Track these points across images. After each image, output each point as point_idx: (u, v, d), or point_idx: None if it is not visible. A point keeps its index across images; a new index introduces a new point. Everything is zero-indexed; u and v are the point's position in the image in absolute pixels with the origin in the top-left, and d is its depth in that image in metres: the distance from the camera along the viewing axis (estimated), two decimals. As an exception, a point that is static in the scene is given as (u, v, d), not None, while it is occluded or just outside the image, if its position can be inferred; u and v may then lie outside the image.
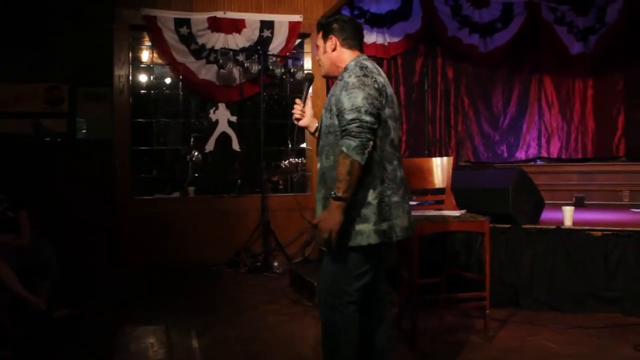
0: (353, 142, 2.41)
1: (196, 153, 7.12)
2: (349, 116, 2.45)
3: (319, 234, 2.47)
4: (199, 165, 7.16)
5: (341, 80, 2.58)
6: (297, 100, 2.91)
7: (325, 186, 2.61)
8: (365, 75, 2.53)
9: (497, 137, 8.75)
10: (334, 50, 2.74)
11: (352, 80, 2.52)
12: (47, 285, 4.48)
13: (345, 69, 2.64)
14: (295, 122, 2.92)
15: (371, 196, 2.55)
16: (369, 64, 2.63)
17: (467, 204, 4.32)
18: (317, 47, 2.84)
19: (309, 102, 2.95)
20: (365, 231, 2.53)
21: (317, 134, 2.85)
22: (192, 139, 7.14)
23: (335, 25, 2.75)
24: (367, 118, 2.44)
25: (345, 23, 2.77)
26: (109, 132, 6.65)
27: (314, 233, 2.48)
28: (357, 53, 2.74)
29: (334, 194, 2.43)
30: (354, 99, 2.46)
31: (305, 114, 2.91)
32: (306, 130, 3.20)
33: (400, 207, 2.63)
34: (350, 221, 2.51)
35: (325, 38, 2.76)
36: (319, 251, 6.10)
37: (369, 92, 2.49)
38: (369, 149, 2.44)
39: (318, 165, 2.72)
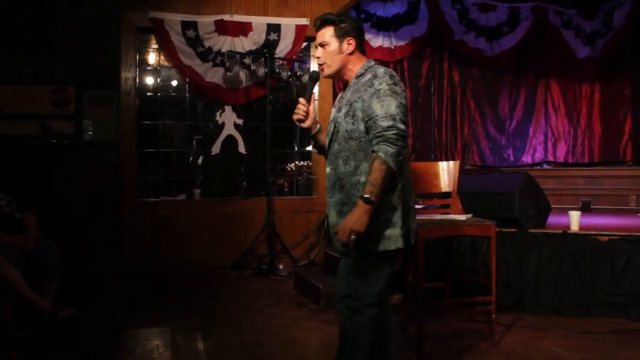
0: (391, 149, 2.40)
1: (200, 156, 7.15)
2: (385, 123, 2.43)
3: (345, 235, 2.40)
4: (202, 168, 7.17)
5: (371, 87, 2.51)
6: (301, 100, 2.74)
7: (341, 191, 2.60)
8: (395, 84, 2.52)
9: (503, 141, 8.74)
10: (351, 53, 2.67)
11: (384, 87, 2.49)
12: (52, 287, 4.49)
13: (375, 75, 2.55)
14: (298, 123, 2.76)
15: (396, 201, 2.56)
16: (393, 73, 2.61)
17: (473, 208, 4.32)
18: (324, 44, 2.69)
19: (312, 103, 2.85)
20: (393, 236, 2.55)
21: (319, 136, 2.82)
22: (194, 142, 7.16)
23: (355, 26, 2.68)
24: (402, 126, 2.45)
25: (361, 26, 2.72)
26: (115, 134, 6.67)
27: (337, 236, 2.39)
28: (367, 59, 2.71)
29: (367, 198, 2.39)
30: (387, 107, 2.45)
31: (309, 114, 2.77)
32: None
33: (414, 212, 2.70)
34: (378, 226, 2.50)
35: (342, 37, 2.65)
36: (325, 254, 6.11)
37: (401, 101, 2.50)
38: (401, 157, 2.45)
39: (329, 170, 2.67)
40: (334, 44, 2.66)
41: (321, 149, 2.87)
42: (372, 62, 2.69)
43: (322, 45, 2.69)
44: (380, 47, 7.96)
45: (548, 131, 8.88)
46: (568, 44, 8.62)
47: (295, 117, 2.74)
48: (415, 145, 8.17)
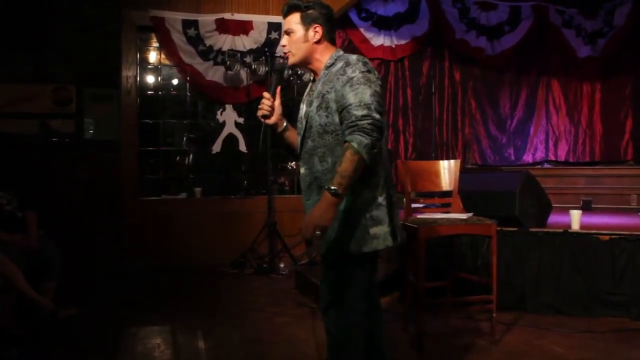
0: (365, 139, 2.21)
1: (191, 154, 7.15)
2: (359, 112, 2.25)
3: (310, 231, 2.21)
4: (200, 167, 7.17)
5: (343, 75, 2.34)
6: (266, 94, 2.56)
7: (319, 192, 2.38)
8: (369, 71, 2.35)
9: (504, 140, 8.74)
10: (317, 42, 2.49)
11: (357, 75, 2.32)
12: (53, 286, 4.49)
13: (347, 63, 2.37)
14: (262, 119, 2.57)
15: (380, 197, 2.42)
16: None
17: (474, 207, 4.32)
18: (289, 31, 2.51)
19: (278, 97, 2.59)
20: (381, 234, 2.41)
21: (288, 134, 2.67)
22: (184, 139, 7.16)
23: (324, 13, 2.49)
24: (377, 116, 2.27)
25: (331, 13, 2.53)
26: (116, 132, 6.67)
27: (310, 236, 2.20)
28: (335, 49, 2.53)
29: (335, 190, 2.19)
30: (361, 95, 2.28)
31: (274, 110, 2.58)
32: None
33: (397, 208, 2.53)
34: (362, 225, 2.38)
35: (308, 25, 2.47)
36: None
37: (376, 90, 2.32)
38: (376, 150, 2.26)
39: (303, 170, 2.51)
40: (299, 31, 2.48)
41: (289, 148, 2.71)
42: (341, 52, 2.50)
43: (287, 32, 2.52)
44: (381, 46, 7.96)
45: (549, 130, 8.87)
46: (569, 43, 8.61)
47: (259, 112, 2.57)
48: (416, 144, 8.17)
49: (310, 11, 2.48)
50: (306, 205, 2.52)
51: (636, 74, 8.50)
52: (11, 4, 6.41)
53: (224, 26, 6.91)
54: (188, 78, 6.92)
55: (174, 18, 6.75)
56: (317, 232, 2.22)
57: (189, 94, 7.09)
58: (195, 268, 6.47)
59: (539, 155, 8.85)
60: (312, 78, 2.64)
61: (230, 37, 6.94)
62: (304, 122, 2.51)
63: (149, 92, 7.01)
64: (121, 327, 4.41)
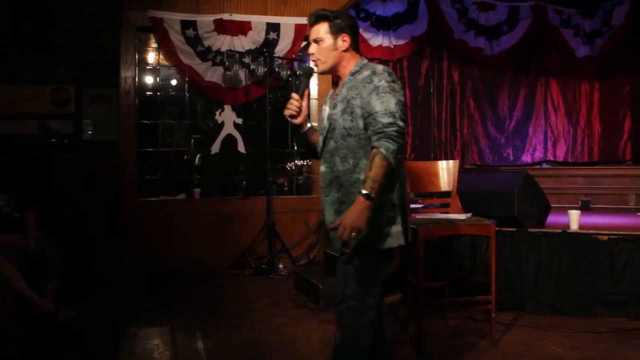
0: (392, 146, 2.38)
1: (198, 156, 7.15)
2: (385, 120, 2.41)
3: (347, 233, 2.34)
4: (201, 167, 7.18)
5: (370, 83, 2.49)
6: (294, 95, 2.67)
7: (339, 190, 2.57)
8: (393, 82, 2.50)
9: (503, 140, 8.75)
10: (345, 50, 2.62)
11: (383, 84, 2.47)
12: (52, 287, 4.49)
13: (374, 72, 2.52)
14: (289, 119, 2.69)
15: (396, 198, 2.55)
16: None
17: (473, 207, 4.32)
18: (318, 40, 2.63)
19: (305, 99, 2.71)
20: (395, 233, 2.55)
21: (311, 135, 2.77)
22: (192, 141, 7.17)
23: (350, 23, 2.64)
24: (402, 123, 2.43)
25: (356, 24, 2.68)
26: (114, 133, 6.65)
27: (336, 234, 2.40)
28: (360, 57, 2.67)
29: (368, 194, 2.35)
30: (387, 104, 2.43)
31: (302, 111, 2.69)
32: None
33: (410, 210, 2.68)
34: (379, 224, 2.50)
35: (336, 33, 2.60)
36: (325, 254, 6.11)
37: (400, 99, 2.48)
38: (400, 155, 2.45)
39: (324, 168, 2.64)
40: (328, 40, 2.61)
41: (310, 148, 2.84)
42: (366, 60, 2.65)
43: (316, 41, 2.64)
44: (380, 46, 7.96)
45: (548, 130, 8.88)
46: (567, 43, 8.62)
47: (287, 112, 2.67)
48: (415, 144, 8.17)
49: (337, 21, 2.61)
50: (324, 201, 2.66)
51: (635, 74, 8.51)
52: (10, 5, 6.39)
53: (222, 27, 6.91)
54: (187, 78, 6.92)
55: (173, 18, 6.75)
56: (354, 234, 2.35)
57: (187, 95, 7.09)
58: (195, 269, 6.47)
59: (538, 155, 8.86)
60: (336, 83, 2.75)
61: (228, 37, 6.93)
62: (327, 123, 2.63)
63: (148, 93, 7.01)
64: (120, 327, 4.41)
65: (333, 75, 2.73)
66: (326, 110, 2.68)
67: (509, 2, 8.48)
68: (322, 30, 2.62)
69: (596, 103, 8.83)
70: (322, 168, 2.66)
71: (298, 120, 2.71)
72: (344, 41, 2.61)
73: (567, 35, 8.62)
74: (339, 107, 2.57)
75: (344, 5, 6.79)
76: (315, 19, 2.64)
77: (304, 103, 2.70)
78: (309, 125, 2.77)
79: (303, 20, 7.16)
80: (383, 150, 2.37)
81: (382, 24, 7.97)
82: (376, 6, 7.96)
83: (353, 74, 2.60)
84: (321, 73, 2.71)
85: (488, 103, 8.69)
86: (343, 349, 2.63)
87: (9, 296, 4.08)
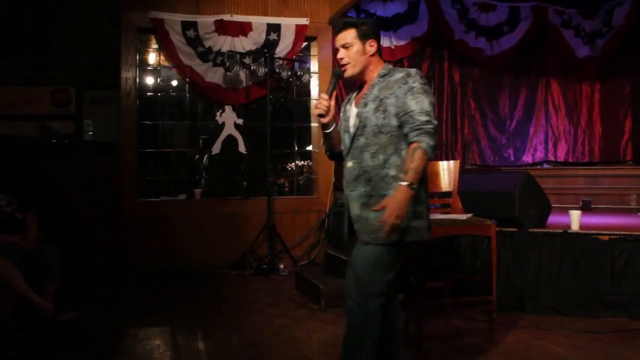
0: (431, 142, 2.55)
1: (206, 156, 7.17)
2: (422, 118, 2.57)
3: (391, 217, 2.45)
4: (203, 168, 7.19)
5: (405, 84, 2.64)
6: (323, 95, 2.77)
7: (367, 184, 2.68)
8: (425, 84, 2.67)
9: (503, 140, 8.74)
10: (372, 55, 2.78)
11: (417, 85, 2.63)
12: (53, 288, 4.49)
13: (408, 74, 2.67)
14: (318, 117, 2.80)
15: (422, 194, 2.70)
16: None
17: (474, 207, 4.31)
18: (347, 45, 2.75)
19: (333, 99, 2.81)
20: (421, 227, 2.69)
21: (333, 132, 2.85)
22: (200, 142, 7.19)
23: (375, 30, 2.80)
24: (436, 122, 2.60)
25: (379, 31, 2.83)
26: (115, 134, 6.67)
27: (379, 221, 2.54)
28: (384, 62, 2.83)
29: (411, 184, 2.48)
30: (422, 103, 2.59)
31: (330, 110, 2.78)
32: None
33: (429, 205, 2.82)
34: (407, 218, 2.58)
35: (364, 39, 2.75)
36: (325, 254, 6.11)
37: (432, 100, 2.65)
38: (436, 150, 2.62)
39: (351, 164, 2.73)
40: (357, 45, 2.76)
41: (332, 147, 2.93)
42: (391, 65, 2.82)
43: (344, 46, 2.77)
44: (380, 47, 7.92)
45: (548, 131, 8.88)
46: (568, 44, 8.62)
47: (316, 111, 2.78)
48: (416, 144, 8.15)
49: (364, 27, 2.78)
50: (349, 195, 2.76)
51: (635, 74, 8.51)
52: (10, 6, 6.40)
53: (223, 27, 6.91)
54: (187, 79, 6.92)
55: (173, 19, 6.75)
56: (398, 222, 2.47)
57: (188, 96, 7.09)
58: (195, 269, 6.47)
59: (539, 155, 8.86)
60: (359, 85, 2.90)
61: (229, 38, 6.94)
62: (356, 121, 2.74)
63: (149, 94, 7.02)
64: (121, 328, 4.40)
65: (357, 81, 2.86)
66: (352, 109, 2.82)
67: (510, 2, 8.48)
68: (350, 36, 2.76)
69: (597, 103, 8.83)
70: (349, 164, 2.76)
71: (326, 119, 2.81)
72: (371, 46, 2.78)
73: (567, 35, 8.62)
74: (371, 106, 2.70)
75: (344, 6, 6.79)
76: (344, 25, 2.80)
77: (332, 103, 2.79)
78: (334, 124, 2.86)
79: (303, 21, 7.18)
80: (424, 145, 2.53)
81: (382, 25, 7.95)
82: (377, 7, 7.95)
83: (382, 75, 2.75)
84: (349, 77, 2.82)
85: (489, 103, 8.69)
86: (351, 335, 2.71)
87: (10, 296, 4.08)
